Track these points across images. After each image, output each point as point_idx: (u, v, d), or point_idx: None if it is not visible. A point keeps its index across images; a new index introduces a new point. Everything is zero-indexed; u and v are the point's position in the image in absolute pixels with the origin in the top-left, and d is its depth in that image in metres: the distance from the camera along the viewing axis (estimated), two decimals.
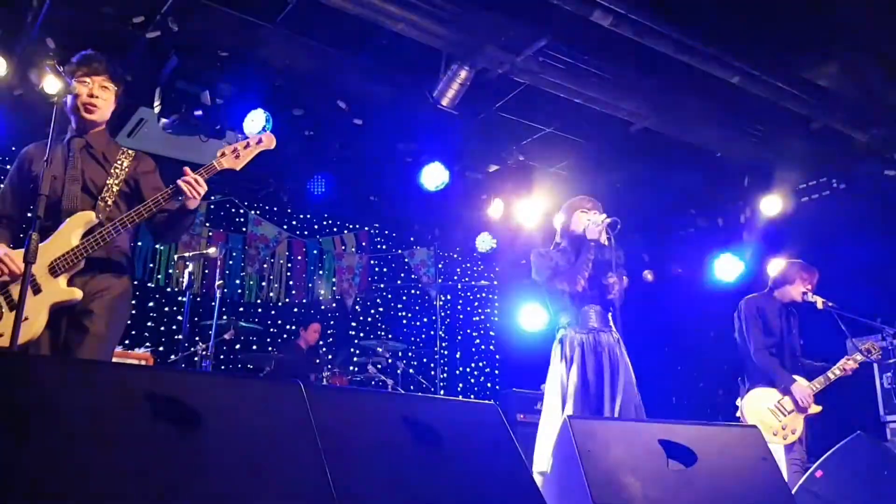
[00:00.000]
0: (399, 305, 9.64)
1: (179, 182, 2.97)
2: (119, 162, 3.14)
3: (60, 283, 2.84)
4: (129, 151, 3.22)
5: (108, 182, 3.07)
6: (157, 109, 5.78)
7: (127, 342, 7.10)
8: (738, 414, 4.92)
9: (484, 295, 10.47)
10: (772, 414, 4.70)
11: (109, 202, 3.04)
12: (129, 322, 7.50)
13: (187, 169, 3.05)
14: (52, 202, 2.93)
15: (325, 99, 6.36)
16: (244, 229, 8.47)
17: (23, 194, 3.09)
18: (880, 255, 6.34)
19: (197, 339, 6.37)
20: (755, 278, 7.32)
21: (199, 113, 5.68)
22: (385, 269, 9.58)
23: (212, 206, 8.30)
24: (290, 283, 8.71)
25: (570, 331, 4.16)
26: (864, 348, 4.76)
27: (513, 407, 7.33)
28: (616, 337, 4.19)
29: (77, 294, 2.85)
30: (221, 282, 5.83)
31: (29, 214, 3.01)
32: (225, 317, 6.36)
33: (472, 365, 10.04)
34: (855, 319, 4.77)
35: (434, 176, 7.12)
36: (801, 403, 4.66)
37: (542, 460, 3.91)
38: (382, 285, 9.30)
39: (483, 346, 10.23)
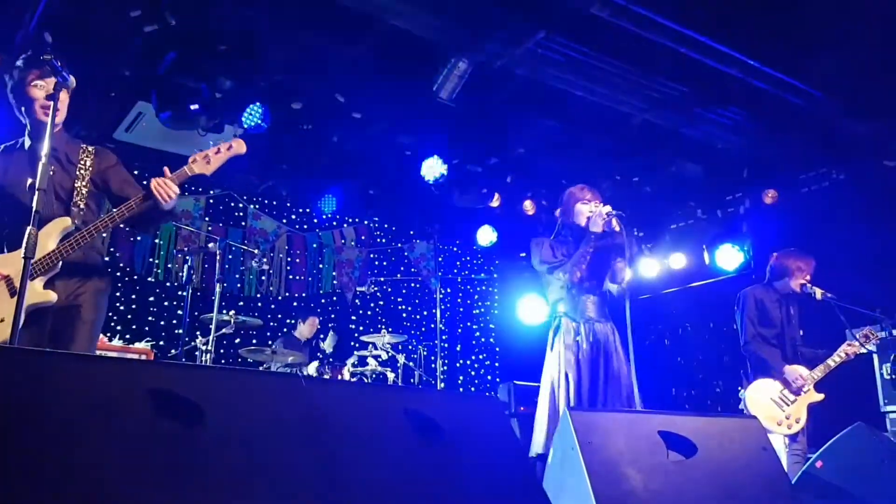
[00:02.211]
0: (399, 299, 9.65)
1: (152, 183, 2.99)
2: (83, 162, 3.13)
3: (36, 285, 2.88)
4: (90, 149, 3.21)
5: (76, 185, 3.08)
6: (154, 104, 5.76)
7: (128, 336, 7.10)
8: (741, 406, 4.94)
9: (484, 288, 10.48)
10: (775, 404, 4.71)
11: (81, 205, 3.06)
12: (129, 317, 7.56)
13: (166, 169, 3.05)
14: (24, 209, 2.85)
15: (323, 92, 6.34)
16: (243, 223, 8.46)
17: None
18: (880, 246, 6.34)
19: (197, 333, 6.37)
20: (755, 269, 7.33)
21: (195, 107, 5.66)
22: (385, 263, 9.59)
23: (211, 201, 8.29)
24: (290, 277, 8.72)
25: (566, 319, 4.19)
26: (861, 335, 4.78)
27: (513, 399, 7.36)
28: (611, 327, 4.22)
29: (52, 296, 2.90)
30: (221, 276, 5.83)
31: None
32: (225, 311, 6.36)
33: (473, 357, 10.06)
34: (854, 310, 4.78)
35: (433, 169, 7.12)
36: (793, 385, 4.68)
37: (538, 444, 3.97)
38: (382, 278, 9.30)
39: (483, 339, 10.25)
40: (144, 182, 3.14)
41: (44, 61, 3.04)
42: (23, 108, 3.06)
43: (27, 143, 3.12)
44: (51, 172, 3.01)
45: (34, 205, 2.66)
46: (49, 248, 2.90)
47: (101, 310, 3.10)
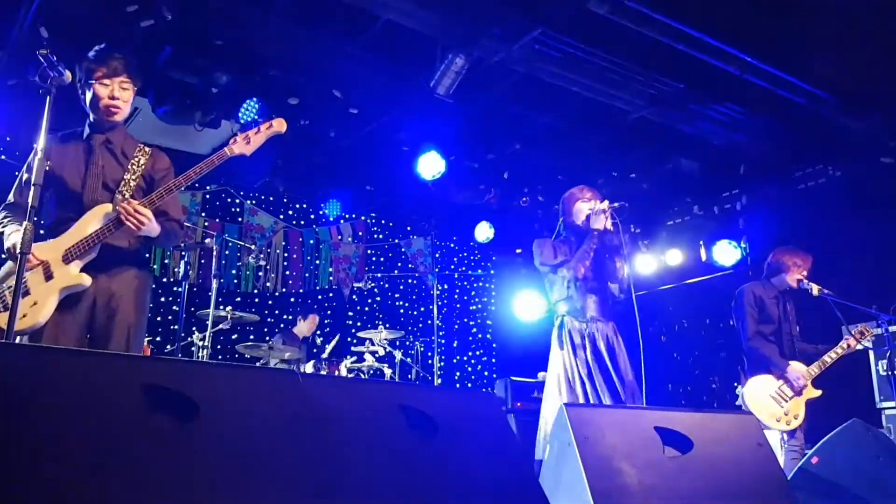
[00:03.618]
0: (396, 295, 9.65)
1: (121, 219, 2.92)
2: (136, 159, 3.18)
3: (72, 269, 2.89)
4: (146, 149, 3.25)
5: (125, 177, 3.11)
6: (150, 99, 5.75)
7: None
8: (738, 402, 4.95)
9: (481, 284, 10.49)
10: (774, 401, 4.72)
11: (127, 195, 3.07)
12: None
13: (121, 198, 3.02)
14: (75, 196, 3.01)
15: (320, 88, 6.33)
16: (240, 219, 8.45)
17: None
18: (876, 242, 6.35)
19: (194, 329, 6.36)
20: (751, 266, 7.34)
21: (191, 103, 5.65)
22: (382, 259, 9.58)
23: (207, 196, 8.28)
24: (287, 272, 8.71)
25: (569, 319, 4.20)
26: (856, 332, 4.80)
27: (510, 395, 7.37)
28: (612, 326, 4.23)
29: (85, 280, 2.90)
30: (218, 272, 5.83)
31: (46, 205, 3.08)
32: (222, 307, 6.35)
33: (470, 354, 10.07)
34: (850, 306, 4.79)
35: (431, 165, 7.11)
36: (795, 384, 4.69)
37: (542, 448, 3.95)
38: (379, 274, 9.31)
39: (480, 335, 10.25)
40: None
41: (113, 58, 3.08)
42: (87, 101, 3.09)
43: (87, 133, 3.16)
44: (100, 163, 3.08)
45: (30, 200, 2.66)
46: (87, 234, 2.92)
47: (142, 312, 3.12)
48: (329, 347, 7.16)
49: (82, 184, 3.04)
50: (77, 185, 3.02)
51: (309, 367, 6.57)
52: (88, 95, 3.07)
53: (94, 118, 3.14)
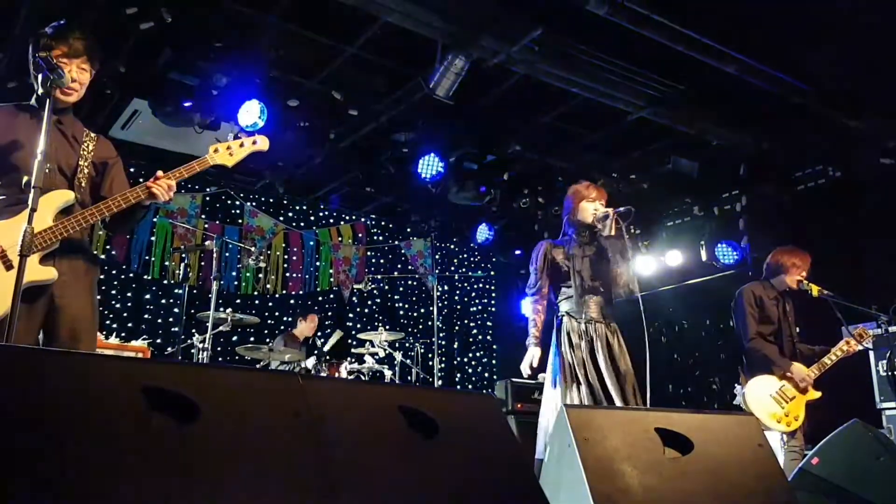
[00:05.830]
0: (396, 296, 9.65)
1: (153, 188, 2.91)
2: (85, 144, 3.05)
3: (33, 260, 2.70)
4: (91, 134, 3.12)
5: (80, 163, 2.99)
6: (150, 101, 5.75)
7: (123, 335, 7.09)
8: (736, 402, 4.94)
9: (481, 285, 10.49)
10: (774, 401, 4.71)
11: (83, 184, 2.98)
12: (125, 315, 7.55)
13: (160, 173, 2.97)
14: (21, 174, 2.81)
15: (320, 89, 6.34)
16: (240, 221, 8.46)
17: None
18: (875, 243, 6.35)
19: (194, 331, 6.36)
20: (751, 266, 7.34)
21: (188, 104, 5.66)
22: (382, 260, 9.59)
23: (207, 199, 8.28)
24: (287, 274, 8.72)
25: (567, 319, 4.18)
26: (856, 333, 4.80)
27: (510, 396, 7.36)
28: (614, 328, 4.21)
29: (52, 273, 2.76)
30: (218, 274, 5.82)
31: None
32: (222, 309, 6.35)
33: (470, 355, 10.06)
34: (850, 307, 4.78)
35: (430, 166, 7.11)
36: (800, 384, 4.69)
37: (541, 446, 3.94)
38: (379, 276, 9.32)
39: (480, 337, 10.25)
40: (140, 181, 3.09)
41: (73, 37, 2.94)
42: (40, 79, 2.84)
43: (35, 111, 2.97)
44: (53, 145, 2.88)
45: (30, 203, 2.56)
46: (48, 223, 2.76)
47: (96, 306, 3.01)
48: (331, 341, 7.14)
49: (32, 163, 2.73)
50: (28, 165, 2.73)
51: (309, 363, 6.55)
52: (42, 72, 2.80)
53: (46, 98, 2.88)
